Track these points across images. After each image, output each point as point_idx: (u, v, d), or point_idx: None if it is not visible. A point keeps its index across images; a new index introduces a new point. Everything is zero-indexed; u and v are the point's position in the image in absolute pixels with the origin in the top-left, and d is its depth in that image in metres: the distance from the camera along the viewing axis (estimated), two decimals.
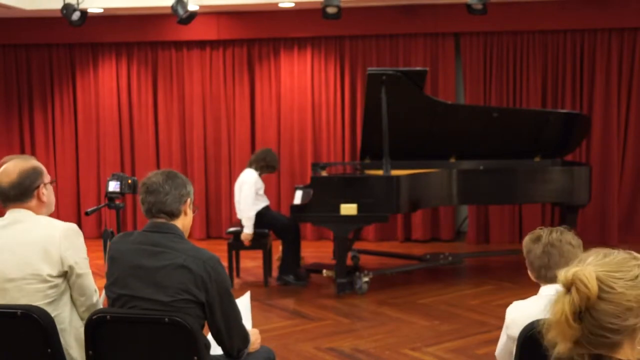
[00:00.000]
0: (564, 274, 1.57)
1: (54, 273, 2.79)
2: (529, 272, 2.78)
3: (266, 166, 6.67)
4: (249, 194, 6.51)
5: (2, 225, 2.86)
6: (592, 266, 1.56)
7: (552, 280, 2.61)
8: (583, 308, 1.53)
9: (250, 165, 6.70)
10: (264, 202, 6.71)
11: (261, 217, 6.62)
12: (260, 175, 6.67)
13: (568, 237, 2.67)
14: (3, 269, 2.78)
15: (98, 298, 2.94)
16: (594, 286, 1.52)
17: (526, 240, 2.74)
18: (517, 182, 6.70)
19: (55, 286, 2.80)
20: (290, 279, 6.65)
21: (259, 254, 6.86)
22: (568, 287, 1.55)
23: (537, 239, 2.70)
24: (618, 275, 1.55)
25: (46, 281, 2.78)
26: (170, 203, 2.78)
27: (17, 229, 2.83)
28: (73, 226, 2.88)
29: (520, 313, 2.64)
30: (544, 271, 2.67)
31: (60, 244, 2.79)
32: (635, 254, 1.64)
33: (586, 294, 1.52)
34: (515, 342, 2.58)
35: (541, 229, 2.75)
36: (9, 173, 2.88)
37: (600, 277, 1.54)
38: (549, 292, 2.61)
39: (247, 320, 3.14)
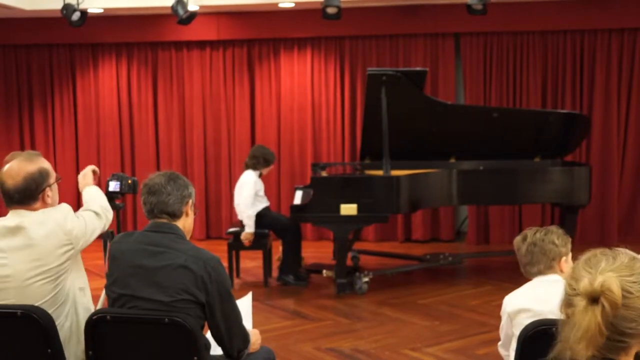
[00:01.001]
0: (589, 284, 1.53)
1: (63, 260, 2.82)
2: None
3: (263, 161, 6.65)
4: (248, 194, 6.51)
5: (7, 227, 2.83)
6: (610, 273, 1.54)
7: (535, 275, 2.85)
8: (613, 317, 1.51)
9: (247, 167, 6.69)
10: (264, 203, 6.71)
11: (261, 218, 6.62)
12: (260, 174, 6.67)
13: (552, 237, 2.83)
14: (17, 271, 2.78)
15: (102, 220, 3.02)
16: (619, 294, 1.50)
17: (516, 239, 2.94)
18: (517, 182, 6.69)
19: (64, 273, 2.83)
20: (290, 279, 6.65)
21: (259, 254, 6.86)
22: (595, 298, 1.52)
23: (524, 238, 2.89)
24: (632, 279, 1.53)
25: (55, 275, 2.80)
26: (172, 204, 2.79)
27: (22, 231, 2.81)
28: (64, 207, 2.91)
29: (516, 295, 2.84)
30: (528, 267, 2.87)
31: (64, 235, 2.82)
32: (631, 252, 1.63)
33: (616, 303, 1.50)
34: (513, 321, 2.75)
35: (530, 229, 2.93)
36: (14, 175, 2.84)
37: (619, 283, 1.52)
38: (541, 279, 2.83)
39: (247, 321, 3.14)
